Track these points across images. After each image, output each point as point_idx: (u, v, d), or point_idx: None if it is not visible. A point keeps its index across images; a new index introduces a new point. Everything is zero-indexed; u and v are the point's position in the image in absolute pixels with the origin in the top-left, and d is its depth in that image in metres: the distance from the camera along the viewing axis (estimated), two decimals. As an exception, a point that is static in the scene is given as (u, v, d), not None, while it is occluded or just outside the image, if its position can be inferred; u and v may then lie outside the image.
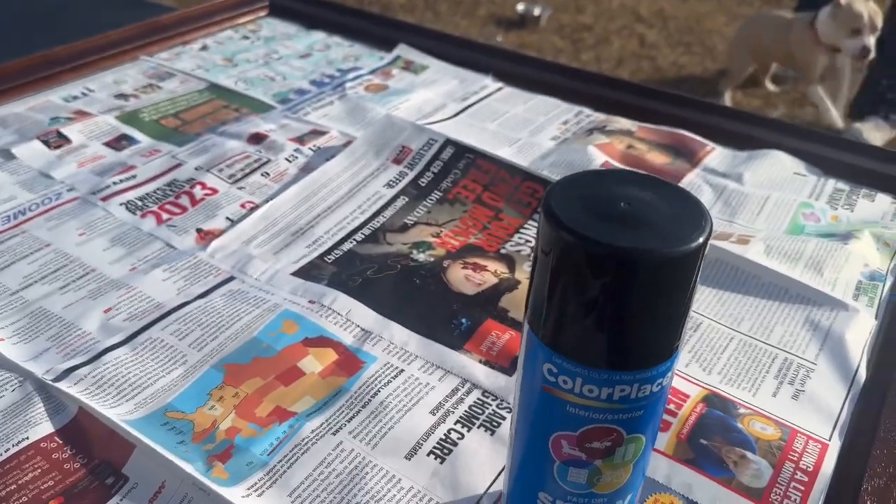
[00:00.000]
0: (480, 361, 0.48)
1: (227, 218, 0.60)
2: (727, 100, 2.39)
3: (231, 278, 0.54)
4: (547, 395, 0.30)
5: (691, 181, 0.68)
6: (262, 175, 0.65)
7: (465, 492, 0.40)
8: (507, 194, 0.64)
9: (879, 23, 2.10)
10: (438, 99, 0.80)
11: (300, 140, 0.70)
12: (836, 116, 2.28)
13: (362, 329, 0.50)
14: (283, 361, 0.47)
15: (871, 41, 2.09)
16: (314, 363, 0.47)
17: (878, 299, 0.55)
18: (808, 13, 2.23)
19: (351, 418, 0.43)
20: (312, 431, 0.42)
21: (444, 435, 0.43)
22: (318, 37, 0.94)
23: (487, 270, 0.56)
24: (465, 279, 0.54)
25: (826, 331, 0.52)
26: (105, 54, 0.84)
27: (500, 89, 0.83)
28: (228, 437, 0.42)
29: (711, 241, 0.59)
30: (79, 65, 0.82)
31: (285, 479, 0.40)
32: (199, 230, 0.58)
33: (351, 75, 0.84)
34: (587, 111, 0.79)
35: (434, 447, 0.42)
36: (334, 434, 0.42)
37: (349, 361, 0.47)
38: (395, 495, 0.40)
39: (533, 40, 2.86)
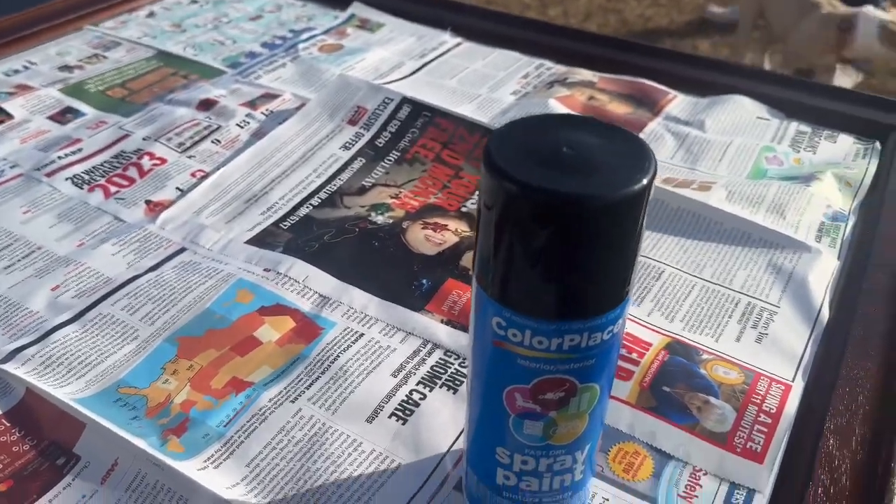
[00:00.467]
0: (442, 321, 0.47)
1: (178, 188, 0.58)
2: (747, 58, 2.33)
3: (182, 249, 0.52)
4: (498, 350, 0.29)
5: (653, 130, 0.67)
6: (213, 142, 0.63)
7: (428, 451, 0.40)
8: (467, 152, 0.62)
9: None
10: (395, 57, 0.78)
11: (252, 105, 0.68)
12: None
13: (320, 295, 0.49)
14: (239, 332, 0.45)
15: None
16: (271, 332, 0.46)
17: (840, 240, 0.55)
18: None
19: (310, 385, 0.43)
20: (270, 400, 0.41)
21: (406, 396, 0.42)
22: (270, -2, 0.91)
23: (448, 230, 0.55)
24: (425, 239, 0.53)
25: (789, 273, 0.51)
26: (47, 25, 0.81)
27: (458, 45, 0.81)
28: (183, 411, 0.41)
29: (673, 189, 0.58)
30: (19, 37, 0.79)
31: (243, 449, 0.39)
32: (148, 202, 0.57)
33: (304, 36, 0.81)
34: (548, 64, 0.77)
35: (396, 409, 0.42)
36: (293, 402, 0.42)
37: (307, 328, 0.46)
38: (356, 459, 0.39)
39: (500, -3, 2.81)
